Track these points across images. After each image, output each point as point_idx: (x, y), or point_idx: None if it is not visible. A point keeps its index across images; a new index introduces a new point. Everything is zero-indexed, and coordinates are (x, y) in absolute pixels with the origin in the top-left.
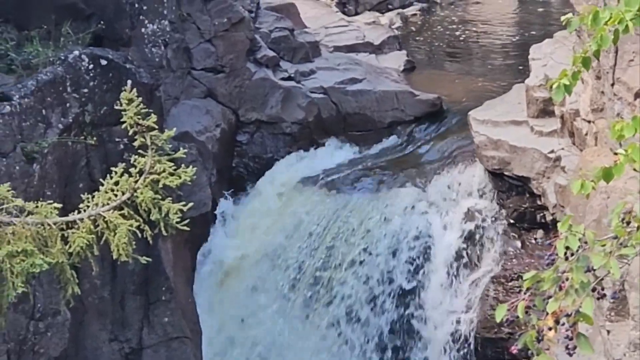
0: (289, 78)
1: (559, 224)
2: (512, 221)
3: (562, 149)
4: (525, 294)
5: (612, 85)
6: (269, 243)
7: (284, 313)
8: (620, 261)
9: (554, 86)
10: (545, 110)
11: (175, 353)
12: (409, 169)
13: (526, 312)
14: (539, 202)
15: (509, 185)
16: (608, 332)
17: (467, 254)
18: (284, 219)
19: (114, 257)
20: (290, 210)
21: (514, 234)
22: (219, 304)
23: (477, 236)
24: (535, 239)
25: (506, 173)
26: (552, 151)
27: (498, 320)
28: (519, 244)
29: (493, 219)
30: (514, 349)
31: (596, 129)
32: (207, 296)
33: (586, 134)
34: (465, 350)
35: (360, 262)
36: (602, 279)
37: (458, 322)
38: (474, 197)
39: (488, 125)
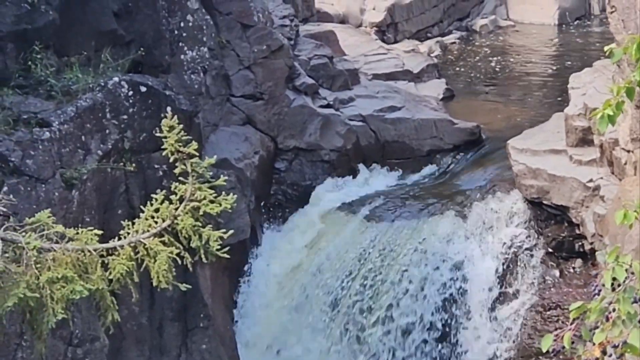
0: (328, 105)
1: (597, 253)
2: (550, 250)
3: (601, 178)
4: (572, 324)
5: None
6: (307, 272)
7: (320, 344)
8: None
9: (598, 117)
10: (584, 139)
11: None
12: (448, 197)
13: (572, 343)
14: (577, 231)
15: (548, 214)
16: None
17: (505, 282)
18: (323, 248)
19: (154, 284)
20: (329, 238)
21: (552, 263)
22: (259, 333)
23: (516, 265)
24: (574, 268)
25: (545, 202)
26: (591, 180)
27: (544, 349)
28: (557, 272)
29: (532, 247)
30: None
31: (635, 158)
32: (247, 325)
33: (625, 163)
34: None
35: (398, 289)
36: None
37: (497, 351)
38: (513, 225)
39: (527, 154)
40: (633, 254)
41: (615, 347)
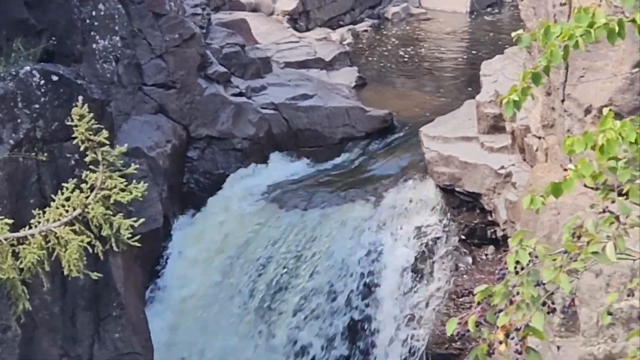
0: (240, 94)
1: (509, 240)
2: (463, 237)
3: (513, 165)
4: (476, 308)
5: (563, 101)
6: (219, 260)
7: (236, 330)
8: (570, 276)
9: (504, 102)
10: (495, 126)
11: None
12: (360, 185)
13: (477, 327)
14: (489, 218)
15: (460, 201)
16: (558, 347)
17: (418, 270)
18: (234, 236)
19: (65, 272)
20: (240, 227)
21: (465, 250)
22: (172, 320)
23: (428, 252)
24: (486, 254)
25: (457, 189)
26: (503, 167)
27: (449, 333)
28: (470, 260)
29: (444, 235)
30: None
31: (546, 145)
32: (161, 314)
33: (537, 150)
34: None
35: (311, 279)
36: (552, 294)
37: (410, 338)
38: (425, 213)
39: (439, 142)
40: (544, 240)
41: (517, 330)
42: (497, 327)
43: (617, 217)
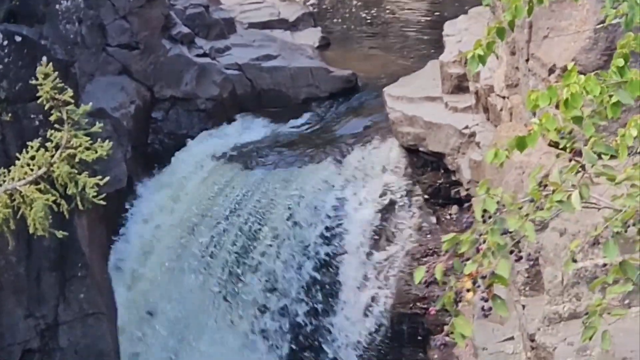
0: (204, 55)
1: (473, 198)
2: (427, 197)
3: (477, 124)
4: (443, 256)
5: (527, 60)
6: (183, 220)
7: (201, 289)
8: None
9: (469, 57)
10: (459, 86)
11: (91, 329)
12: (324, 145)
13: (446, 275)
14: (453, 178)
15: (424, 161)
16: (523, 306)
17: (382, 229)
18: (198, 196)
19: (31, 231)
20: (204, 186)
21: (429, 210)
22: (136, 280)
23: (392, 212)
24: (450, 214)
25: (421, 149)
26: (467, 127)
27: (416, 281)
28: (434, 219)
29: (408, 195)
30: (432, 310)
31: (511, 104)
32: (124, 274)
33: (501, 110)
34: (381, 325)
35: (275, 238)
36: (518, 242)
37: (373, 298)
38: (390, 173)
39: (403, 102)
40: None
41: (483, 277)
42: (464, 275)
43: (582, 166)
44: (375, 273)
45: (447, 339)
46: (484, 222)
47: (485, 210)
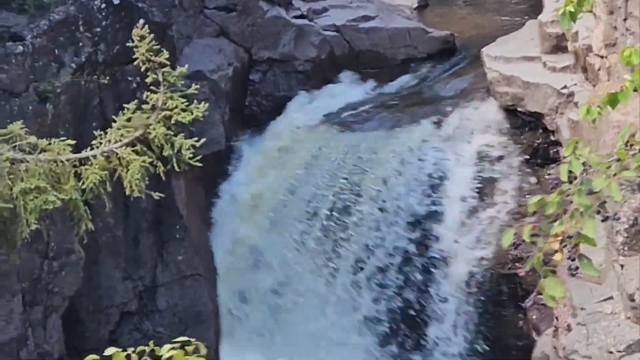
0: (302, 16)
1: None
2: (526, 157)
3: (575, 84)
4: (531, 218)
5: (625, 20)
6: (284, 180)
7: (301, 247)
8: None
9: (560, 14)
10: (558, 46)
11: (189, 290)
12: (423, 106)
13: (532, 237)
14: (552, 138)
15: (523, 121)
16: (622, 266)
17: (481, 190)
18: (299, 157)
19: (127, 193)
20: (304, 148)
21: (528, 170)
22: (236, 242)
23: (492, 172)
24: (549, 174)
25: (519, 109)
26: (565, 87)
27: (505, 245)
28: (533, 179)
29: (508, 155)
30: (521, 271)
31: (609, 63)
32: (223, 235)
33: (599, 69)
34: (481, 286)
35: (374, 199)
36: (604, 202)
37: (474, 258)
38: (488, 133)
39: (501, 62)
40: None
41: (569, 237)
42: (552, 237)
43: None
44: (475, 233)
45: (540, 298)
46: (570, 182)
47: (571, 172)
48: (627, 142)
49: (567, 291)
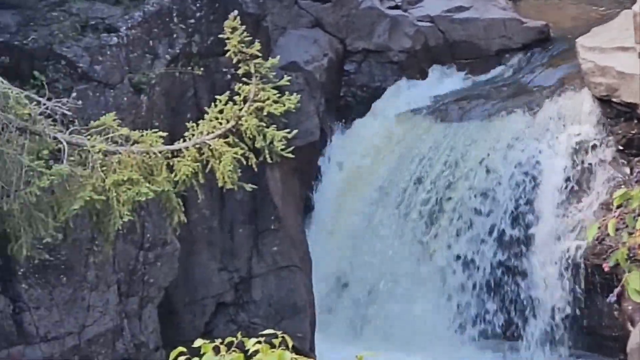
0: (396, 7)
1: None
2: (620, 147)
3: None
4: (615, 212)
5: None
6: (379, 171)
7: (398, 238)
8: None
9: None
10: None
11: (285, 282)
12: (517, 96)
13: (617, 231)
14: None
15: (617, 112)
16: None
17: (576, 180)
18: (394, 148)
19: (219, 185)
20: (400, 138)
21: (622, 161)
22: (331, 232)
23: (586, 163)
24: None
25: (614, 99)
26: None
27: (589, 239)
28: (627, 170)
29: (602, 145)
30: (605, 266)
31: None
32: (319, 225)
33: None
34: (575, 276)
35: (469, 190)
36: None
37: (568, 249)
38: (583, 123)
39: (595, 52)
40: None
41: None
42: (637, 231)
43: None
44: (570, 224)
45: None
46: None
47: None
48: None
49: None
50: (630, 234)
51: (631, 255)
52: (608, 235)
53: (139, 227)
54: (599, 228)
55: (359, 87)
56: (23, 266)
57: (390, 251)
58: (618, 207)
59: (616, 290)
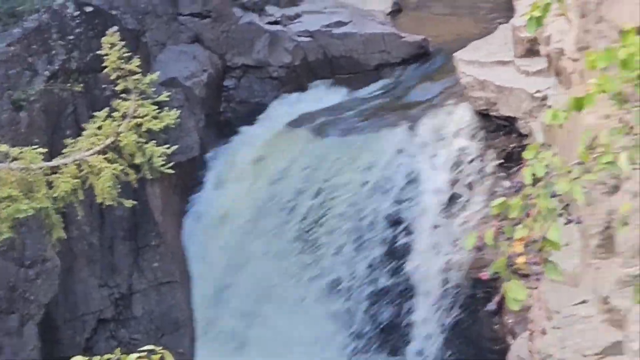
0: (275, 22)
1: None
2: (500, 161)
3: (549, 88)
4: (493, 221)
5: (597, 23)
6: (257, 188)
7: (274, 255)
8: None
9: (526, 19)
10: (531, 50)
11: (165, 297)
12: (397, 111)
13: (495, 240)
14: (526, 142)
15: (497, 126)
16: (596, 269)
17: (455, 194)
18: (273, 163)
19: (98, 201)
20: (278, 154)
21: (502, 174)
22: (210, 248)
23: (466, 177)
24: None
25: (493, 113)
26: (539, 91)
27: (467, 248)
28: (507, 183)
29: (481, 159)
30: (484, 275)
31: (581, 67)
32: (198, 242)
33: (571, 73)
34: (457, 289)
35: (349, 205)
36: (567, 205)
37: (448, 263)
38: (462, 137)
39: (474, 66)
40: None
41: (534, 242)
42: (515, 240)
43: (631, 127)
44: (449, 238)
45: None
46: (534, 186)
47: (534, 175)
48: (590, 145)
49: (529, 295)
50: (509, 243)
51: (510, 264)
52: (487, 246)
53: (18, 244)
54: (478, 238)
55: (239, 103)
56: None
57: (269, 268)
58: (496, 217)
59: (495, 299)
